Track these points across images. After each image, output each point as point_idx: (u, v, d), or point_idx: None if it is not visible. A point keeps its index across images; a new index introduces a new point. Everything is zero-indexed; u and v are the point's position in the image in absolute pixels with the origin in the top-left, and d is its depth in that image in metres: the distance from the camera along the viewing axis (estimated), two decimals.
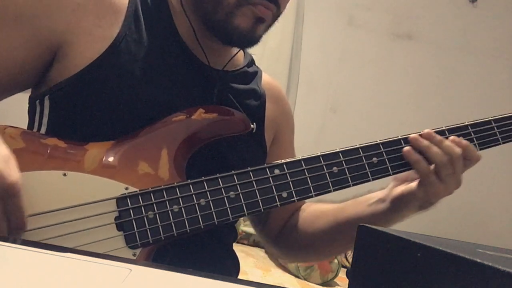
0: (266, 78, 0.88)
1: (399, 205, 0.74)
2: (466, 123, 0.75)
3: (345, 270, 1.91)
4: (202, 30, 0.74)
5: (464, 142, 0.72)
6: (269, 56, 2.48)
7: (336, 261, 1.79)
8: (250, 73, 0.84)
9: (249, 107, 0.78)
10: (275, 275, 1.77)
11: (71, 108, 0.67)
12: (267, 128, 0.83)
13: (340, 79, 2.62)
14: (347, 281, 1.74)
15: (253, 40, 0.73)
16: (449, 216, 2.35)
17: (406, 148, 0.71)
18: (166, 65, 0.72)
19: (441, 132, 0.73)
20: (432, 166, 0.71)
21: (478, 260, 0.27)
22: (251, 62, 0.86)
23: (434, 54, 2.63)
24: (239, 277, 0.83)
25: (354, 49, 2.63)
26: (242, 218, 0.70)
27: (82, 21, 0.67)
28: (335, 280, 1.82)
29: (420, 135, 0.72)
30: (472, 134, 0.74)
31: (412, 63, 2.63)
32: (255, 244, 2.23)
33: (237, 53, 0.81)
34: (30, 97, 0.72)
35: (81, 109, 0.67)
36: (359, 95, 2.60)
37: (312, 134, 2.47)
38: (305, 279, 1.77)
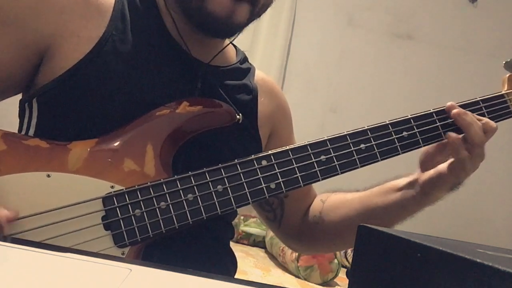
0: (260, 74, 0.87)
1: (430, 189, 0.74)
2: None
3: (345, 270, 1.91)
4: (188, 24, 0.73)
5: (479, 117, 0.74)
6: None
7: (336, 261, 1.79)
8: (243, 70, 0.83)
9: (240, 102, 0.77)
10: (275, 275, 1.77)
11: (58, 109, 0.67)
12: (261, 123, 0.82)
13: (339, 79, 2.62)
14: (347, 281, 1.73)
15: (232, 27, 0.70)
16: (449, 216, 2.35)
17: (456, 111, 0.72)
18: (153, 62, 0.71)
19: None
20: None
21: (478, 260, 0.27)
22: (244, 59, 0.85)
23: (434, 54, 2.63)
24: (239, 277, 0.83)
25: (353, 49, 2.63)
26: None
27: (69, 23, 0.67)
28: (335, 280, 1.82)
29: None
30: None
31: (412, 63, 2.63)
32: (255, 244, 2.23)
33: (225, 46, 0.80)
34: (20, 100, 0.72)
35: (67, 111, 0.66)
36: (359, 95, 2.60)
37: (312, 134, 2.45)
38: (305, 279, 1.77)
